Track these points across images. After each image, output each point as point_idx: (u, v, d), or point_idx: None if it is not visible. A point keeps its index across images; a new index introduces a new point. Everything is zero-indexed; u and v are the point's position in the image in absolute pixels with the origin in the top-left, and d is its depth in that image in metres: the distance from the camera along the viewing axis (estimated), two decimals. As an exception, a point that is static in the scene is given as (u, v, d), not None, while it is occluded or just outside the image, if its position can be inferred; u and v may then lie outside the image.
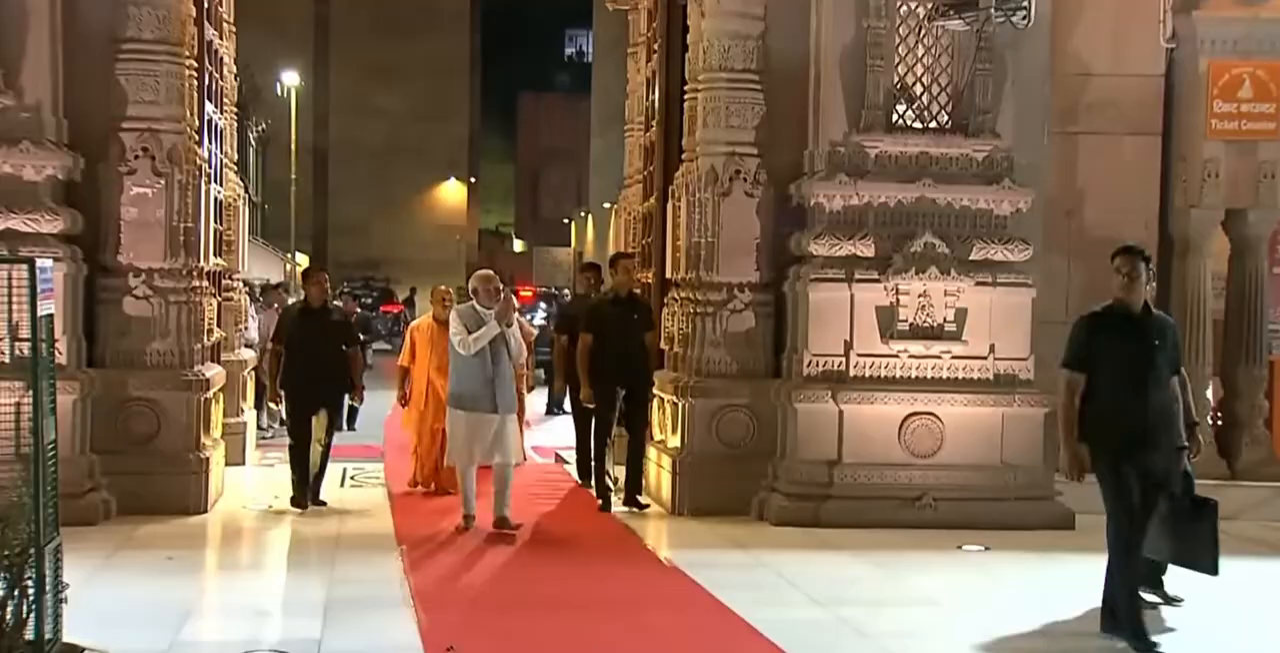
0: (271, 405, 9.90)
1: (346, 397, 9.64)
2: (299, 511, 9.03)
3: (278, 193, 37.72)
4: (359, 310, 17.61)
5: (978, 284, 8.90)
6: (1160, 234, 9.97)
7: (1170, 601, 6.66)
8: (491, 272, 8.59)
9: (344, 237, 44.36)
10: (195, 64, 9.25)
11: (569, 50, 71.58)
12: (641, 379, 9.38)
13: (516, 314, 8.63)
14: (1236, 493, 9.48)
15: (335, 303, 14.87)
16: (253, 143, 35.60)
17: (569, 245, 55.01)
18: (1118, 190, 9.90)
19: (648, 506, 9.23)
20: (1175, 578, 6.68)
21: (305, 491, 9.15)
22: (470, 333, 8.17)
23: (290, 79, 35.85)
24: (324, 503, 9.26)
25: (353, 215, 44.68)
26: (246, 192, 13.66)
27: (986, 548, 8.06)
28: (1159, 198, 9.98)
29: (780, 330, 9.33)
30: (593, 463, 9.76)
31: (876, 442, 8.77)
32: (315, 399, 9.22)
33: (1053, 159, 9.74)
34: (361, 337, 13.41)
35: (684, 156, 9.77)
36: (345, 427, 12.51)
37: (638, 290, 9.97)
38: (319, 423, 9.24)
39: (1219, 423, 10.04)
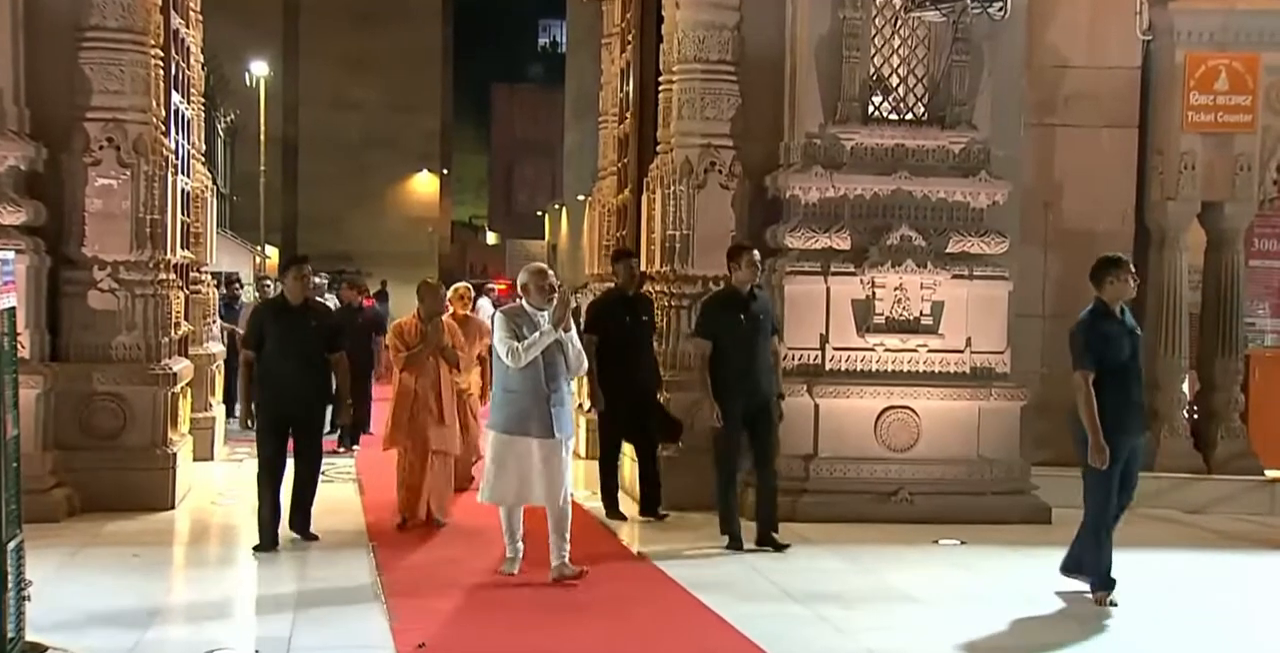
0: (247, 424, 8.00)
1: (330, 412, 8.30)
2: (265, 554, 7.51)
3: (246, 185, 37.49)
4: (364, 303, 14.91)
5: (954, 277, 8.92)
6: (1137, 227, 10.03)
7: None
8: (545, 266, 7.18)
9: (314, 229, 44.10)
10: (161, 53, 9.16)
11: (543, 41, 71.44)
12: (651, 384, 8.80)
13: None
14: (1210, 486, 9.61)
15: (326, 297, 14.61)
16: (220, 134, 35.34)
17: (543, 238, 55.01)
18: (1095, 183, 9.95)
19: (667, 516, 8.63)
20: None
21: (273, 534, 7.59)
22: (520, 340, 6.74)
23: (259, 69, 35.60)
24: (315, 537, 7.81)
25: (323, 208, 44.42)
26: (214, 183, 13.58)
27: (963, 542, 8.07)
28: (1136, 190, 10.03)
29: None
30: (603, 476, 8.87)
31: (852, 436, 8.78)
32: (292, 416, 7.66)
33: (1030, 151, 9.77)
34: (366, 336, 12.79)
35: (659, 148, 9.75)
36: (347, 446, 11.81)
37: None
38: (301, 445, 7.79)
39: (1195, 416, 10.10)
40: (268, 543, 7.56)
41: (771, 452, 7.93)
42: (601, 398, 8.70)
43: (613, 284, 9.24)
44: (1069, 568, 6.84)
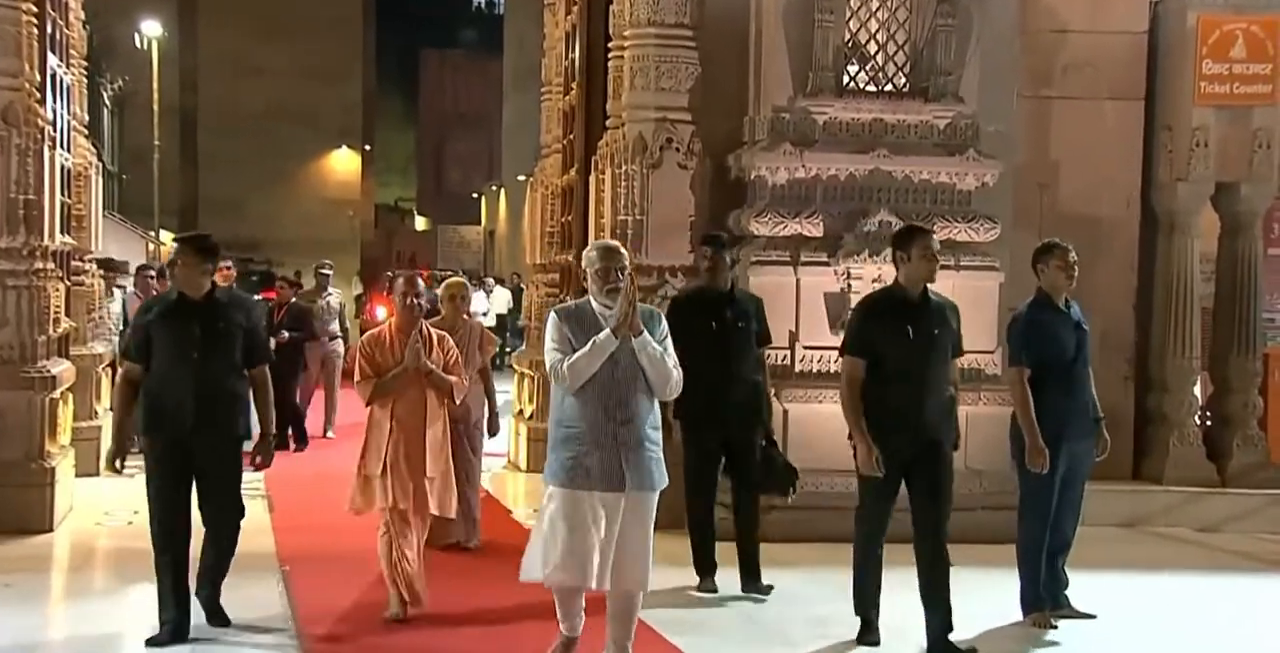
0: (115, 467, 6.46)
1: (246, 448, 6.62)
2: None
3: (138, 161, 37.15)
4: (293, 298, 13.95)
5: (939, 267, 8.97)
6: (1143, 211, 10.18)
7: (1081, 615, 6.96)
8: (616, 244, 5.90)
9: (217, 213, 43.67)
10: (35, 9, 9.09)
11: (477, 1, 71.22)
12: (749, 412, 7.59)
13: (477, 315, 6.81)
14: (1225, 501, 9.74)
15: (330, 293, 14.22)
16: (107, 103, 35.04)
17: (478, 223, 54.90)
18: (1096, 162, 10.09)
19: (771, 588, 7.55)
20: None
21: (179, 624, 6.30)
22: (576, 350, 5.51)
23: (151, 29, 35.27)
24: (227, 621, 6.55)
25: (227, 188, 44.04)
26: (100, 159, 13.46)
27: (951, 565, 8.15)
28: (1142, 170, 10.17)
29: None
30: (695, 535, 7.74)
31: (826, 445, 8.79)
32: (193, 454, 6.32)
33: (1023, 127, 9.89)
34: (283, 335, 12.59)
35: (608, 123, 9.80)
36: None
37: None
38: (207, 493, 6.43)
39: (1207, 423, 10.25)
40: (168, 635, 6.25)
41: (942, 514, 6.43)
42: (677, 428, 7.49)
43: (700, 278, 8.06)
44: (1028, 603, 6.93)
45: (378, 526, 6.83)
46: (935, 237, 6.49)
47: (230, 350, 6.37)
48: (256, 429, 6.66)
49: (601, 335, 5.45)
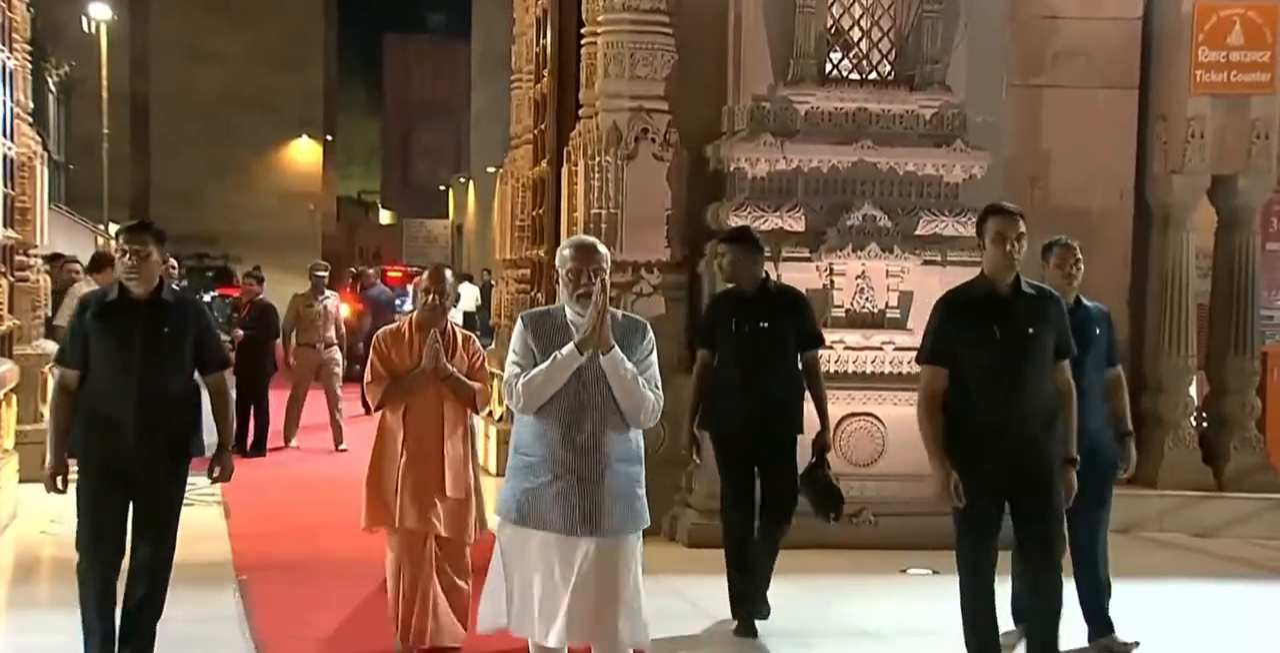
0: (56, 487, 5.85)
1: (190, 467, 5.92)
2: None
3: (86, 151, 36.99)
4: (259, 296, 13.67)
5: (925, 263, 9.06)
6: (1137, 204, 10.23)
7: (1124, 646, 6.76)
8: (592, 241, 5.17)
9: (170, 205, 43.56)
10: (-21, -8, 9.06)
11: (445, -17, 71.15)
12: (783, 427, 7.06)
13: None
14: (1222, 505, 9.80)
15: (327, 295, 13.71)
16: (53, 89, 34.84)
17: (446, 217, 54.89)
18: (1089, 154, 10.14)
19: (765, 616, 7.05)
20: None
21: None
22: (539, 364, 4.90)
23: (99, 12, 35.11)
24: None
25: (181, 180, 43.94)
26: (46, 149, 13.39)
27: (935, 571, 8.20)
28: (1136, 162, 10.23)
29: (695, 318, 9.38)
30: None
31: (807, 448, 8.86)
32: (129, 475, 5.71)
33: (1013, 117, 9.94)
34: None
35: (581, 112, 9.81)
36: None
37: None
38: (141, 520, 5.78)
39: (1203, 424, 10.32)
40: None
41: (1052, 562, 5.76)
42: (698, 445, 7.21)
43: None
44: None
45: (385, 548, 6.31)
46: (1020, 220, 5.63)
47: (179, 357, 5.73)
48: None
49: (564, 350, 4.82)
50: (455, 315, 23.27)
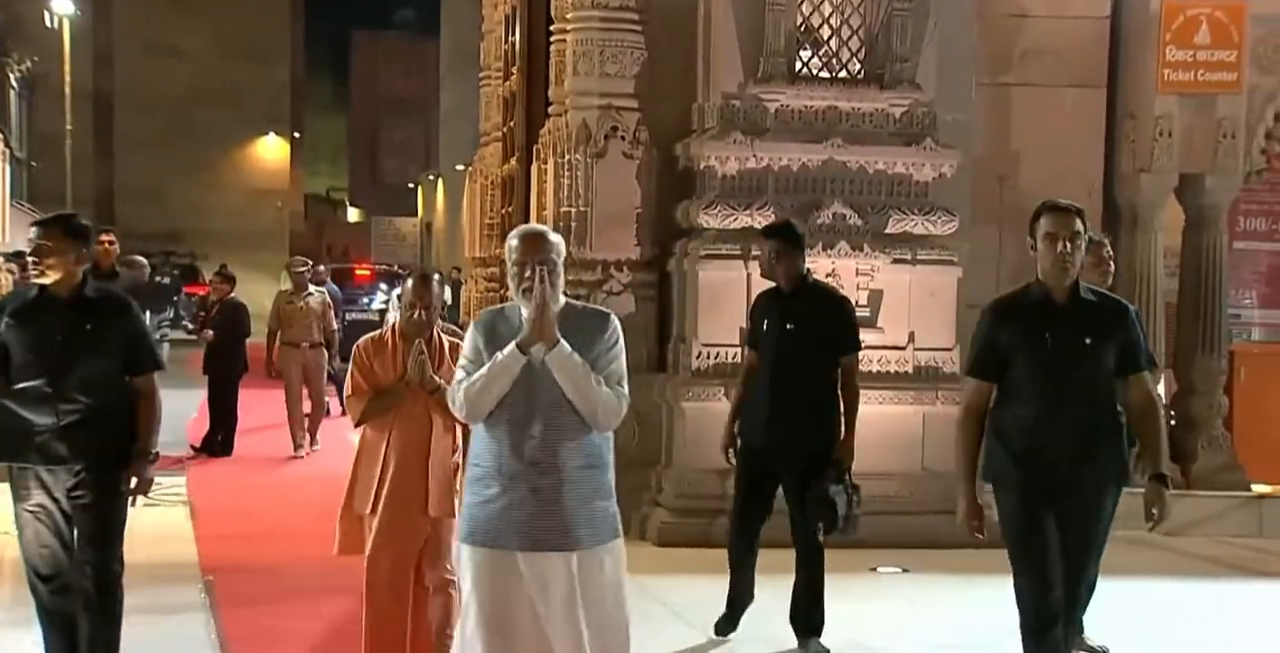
0: None
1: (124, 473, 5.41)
2: None
3: (48, 147, 36.75)
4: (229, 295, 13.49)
5: (895, 262, 9.10)
6: (1105, 203, 10.29)
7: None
8: (541, 229, 4.78)
9: (135, 202, 43.44)
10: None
11: (413, -22, 71.03)
12: (816, 433, 6.70)
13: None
14: (1190, 504, 9.81)
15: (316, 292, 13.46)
16: (14, 86, 34.62)
17: (415, 215, 54.78)
18: (1057, 152, 10.20)
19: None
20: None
21: None
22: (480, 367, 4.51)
23: (62, 7, 34.90)
24: None
25: (146, 176, 43.76)
26: (7, 146, 13.35)
27: (905, 570, 8.25)
28: (1104, 161, 10.30)
29: (665, 317, 9.43)
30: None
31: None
32: (70, 489, 5.38)
33: (982, 116, 10.00)
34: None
35: (551, 110, 9.83)
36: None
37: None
38: (81, 534, 5.43)
39: (1172, 423, 10.38)
40: None
41: (1079, 588, 5.37)
42: (734, 447, 6.92)
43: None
44: None
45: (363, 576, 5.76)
46: (1076, 218, 5.12)
47: (105, 358, 5.38)
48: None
49: (505, 351, 4.40)
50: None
